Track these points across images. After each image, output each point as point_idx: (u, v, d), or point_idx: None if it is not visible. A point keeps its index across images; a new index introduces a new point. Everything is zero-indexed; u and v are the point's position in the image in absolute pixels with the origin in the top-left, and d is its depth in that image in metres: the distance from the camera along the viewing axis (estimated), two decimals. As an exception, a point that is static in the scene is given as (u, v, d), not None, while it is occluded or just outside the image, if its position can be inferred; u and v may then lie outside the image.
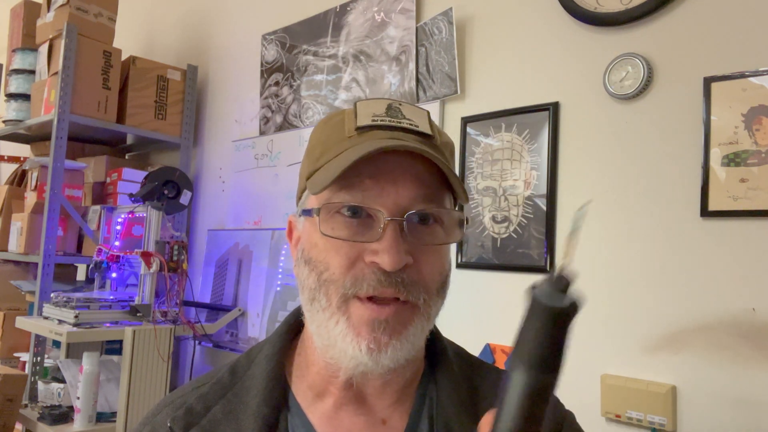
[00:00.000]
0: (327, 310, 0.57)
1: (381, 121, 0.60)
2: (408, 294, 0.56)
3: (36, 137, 2.72)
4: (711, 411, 1.16)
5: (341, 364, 0.58)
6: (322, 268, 0.58)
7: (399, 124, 0.60)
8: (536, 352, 0.37)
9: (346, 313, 0.57)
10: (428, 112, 0.64)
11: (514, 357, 0.38)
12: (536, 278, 1.33)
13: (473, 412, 0.63)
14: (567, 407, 0.70)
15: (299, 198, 0.66)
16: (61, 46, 2.22)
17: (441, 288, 0.60)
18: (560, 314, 0.36)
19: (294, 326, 0.69)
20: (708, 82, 1.21)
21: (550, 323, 0.36)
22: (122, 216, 2.23)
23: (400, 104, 0.63)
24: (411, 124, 0.61)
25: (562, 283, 0.36)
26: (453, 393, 0.63)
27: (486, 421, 0.41)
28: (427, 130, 0.61)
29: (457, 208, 0.63)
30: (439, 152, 0.61)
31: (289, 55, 2.18)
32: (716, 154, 1.18)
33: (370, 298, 0.56)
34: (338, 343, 0.57)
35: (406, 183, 0.57)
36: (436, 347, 0.67)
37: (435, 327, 0.65)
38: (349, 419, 0.62)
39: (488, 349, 1.49)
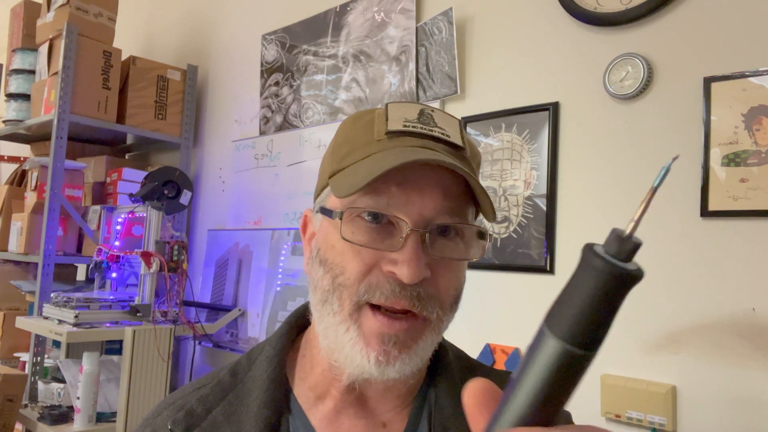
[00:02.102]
0: (338, 315, 0.56)
1: (413, 127, 0.58)
2: (422, 308, 0.55)
3: (36, 137, 2.72)
4: (711, 411, 1.16)
5: (345, 369, 0.58)
6: (337, 271, 0.57)
7: (431, 132, 0.59)
8: (581, 321, 0.29)
9: (357, 321, 0.56)
10: (460, 121, 0.63)
11: (549, 322, 0.30)
12: (536, 278, 1.33)
13: None
14: (566, 407, 0.70)
15: (317, 194, 0.64)
16: (61, 46, 2.22)
17: (454, 303, 0.59)
18: (622, 278, 0.29)
19: (295, 327, 0.69)
20: (708, 82, 1.20)
21: (607, 288, 0.29)
22: (122, 216, 2.23)
23: (433, 110, 0.61)
24: (443, 133, 0.59)
25: (630, 245, 0.29)
26: (451, 395, 0.63)
27: (476, 388, 0.33)
28: (458, 140, 0.60)
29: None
30: (467, 165, 0.60)
31: (289, 55, 2.18)
32: (716, 154, 1.18)
33: (381, 309, 0.55)
34: (346, 349, 0.56)
35: (432, 194, 0.56)
36: (437, 351, 0.67)
37: None
38: (349, 422, 0.62)
39: (488, 349, 1.49)
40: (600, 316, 0.30)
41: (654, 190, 0.31)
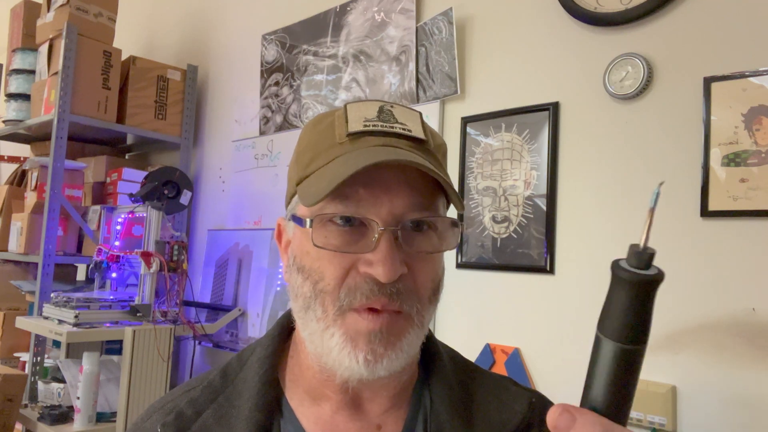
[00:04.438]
0: (322, 321, 0.56)
1: (373, 126, 0.58)
2: (402, 304, 0.55)
3: (36, 137, 2.72)
4: (711, 411, 1.16)
5: (335, 371, 0.58)
6: (317, 277, 0.57)
7: (392, 129, 0.58)
8: (626, 322, 0.37)
9: (342, 326, 0.56)
10: (420, 114, 0.63)
11: (602, 328, 0.38)
12: (536, 278, 1.33)
13: (467, 418, 0.62)
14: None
15: (288, 202, 0.64)
16: (61, 46, 2.22)
17: (433, 295, 0.59)
18: (646, 283, 0.36)
19: (287, 328, 0.68)
20: (708, 82, 1.21)
21: (636, 292, 0.37)
22: (122, 216, 2.23)
23: (392, 106, 0.61)
24: (404, 129, 0.59)
25: (647, 255, 0.36)
26: (446, 398, 0.63)
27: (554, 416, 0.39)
28: (420, 134, 0.60)
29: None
30: (432, 156, 0.60)
31: (289, 55, 2.18)
32: (716, 154, 1.18)
33: (364, 308, 0.55)
34: (333, 353, 0.56)
35: (400, 192, 0.56)
36: (431, 352, 0.67)
37: (429, 331, 0.64)
38: (344, 425, 0.61)
39: (488, 349, 1.49)
40: (638, 316, 0.37)
41: (652, 211, 0.37)
